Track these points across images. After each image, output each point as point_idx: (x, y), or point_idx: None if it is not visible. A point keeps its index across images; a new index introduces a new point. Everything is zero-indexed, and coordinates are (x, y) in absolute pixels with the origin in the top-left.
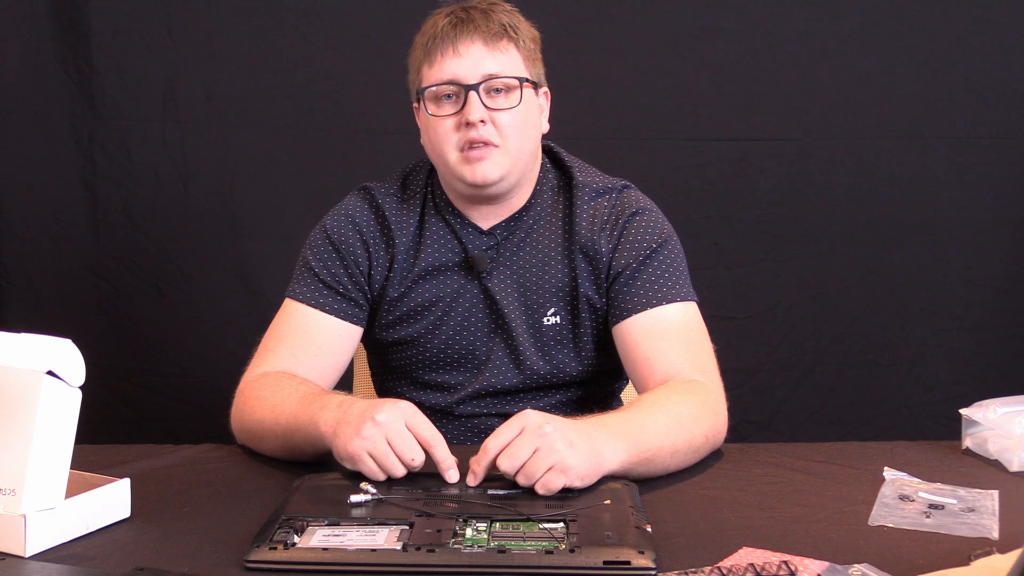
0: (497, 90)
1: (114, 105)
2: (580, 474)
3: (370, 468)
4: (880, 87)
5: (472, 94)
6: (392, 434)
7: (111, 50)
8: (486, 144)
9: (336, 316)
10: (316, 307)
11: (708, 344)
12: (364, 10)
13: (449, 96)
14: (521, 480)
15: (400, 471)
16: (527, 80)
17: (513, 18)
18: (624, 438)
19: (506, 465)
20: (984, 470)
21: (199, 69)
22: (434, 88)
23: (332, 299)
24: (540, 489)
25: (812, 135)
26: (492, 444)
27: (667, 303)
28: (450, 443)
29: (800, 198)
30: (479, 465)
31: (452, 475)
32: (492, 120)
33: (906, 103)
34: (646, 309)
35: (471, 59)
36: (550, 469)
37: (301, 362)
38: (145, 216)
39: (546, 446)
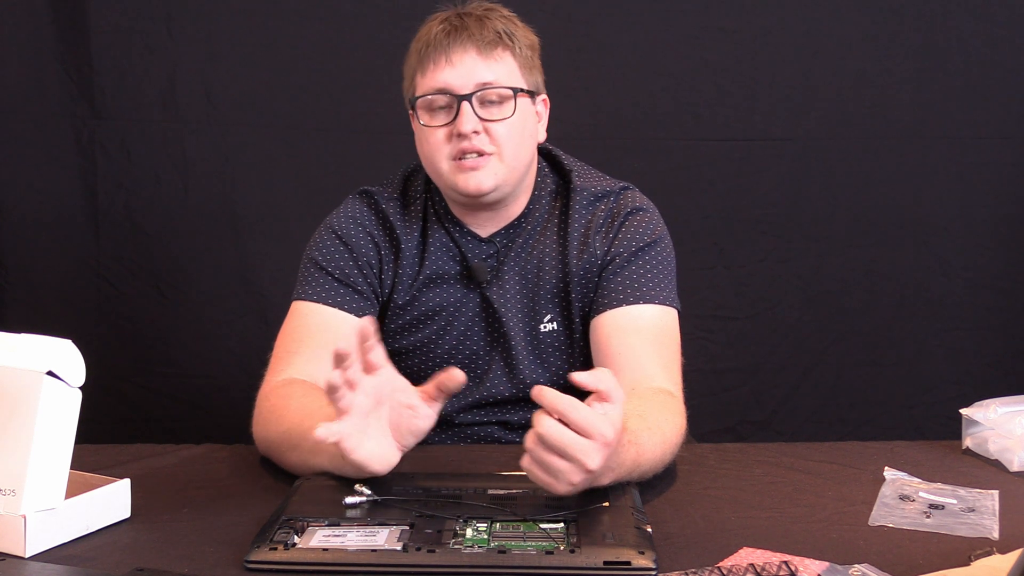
0: (491, 100)
1: (114, 105)
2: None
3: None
4: (880, 87)
5: (464, 104)
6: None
7: (111, 50)
8: (479, 154)
9: (354, 314)
10: (333, 305)
11: (679, 355)
12: (364, 10)
13: (442, 106)
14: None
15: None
16: (522, 90)
17: (509, 24)
18: (620, 469)
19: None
20: (984, 470)
21: (199, 69)
22: (426, 98)
23: (348, 296)
24: (530, 471)
25: (812, 135)
26: (553, 428)
27: (645, 303)
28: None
29: (800, 198)
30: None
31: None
32: (486, 129)
33: (906, 103)
34: (623, 305)
35: (464, 68)
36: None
37: (326, 364)
38: (145, 216)
39: (568, 473)
